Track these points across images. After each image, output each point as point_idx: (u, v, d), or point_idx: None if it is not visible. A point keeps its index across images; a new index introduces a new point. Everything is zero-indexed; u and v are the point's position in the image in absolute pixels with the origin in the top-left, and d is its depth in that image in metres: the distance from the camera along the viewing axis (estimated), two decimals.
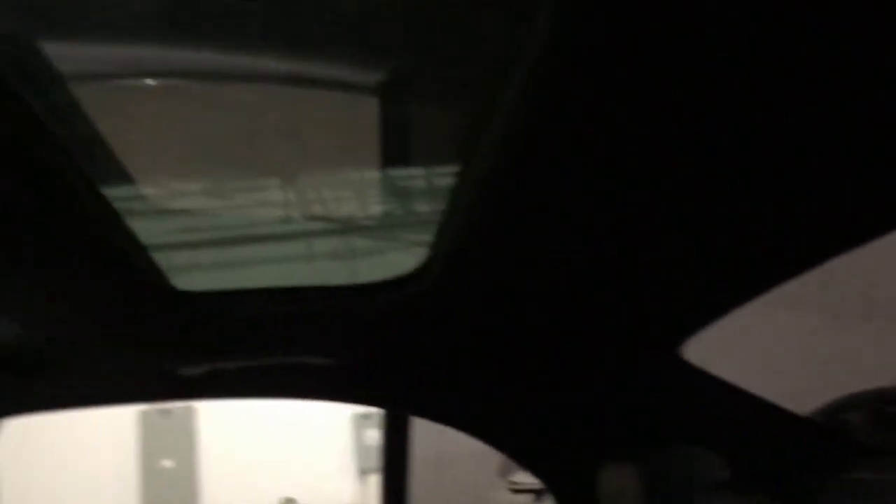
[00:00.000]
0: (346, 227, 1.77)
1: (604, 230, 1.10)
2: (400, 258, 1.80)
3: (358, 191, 1.59)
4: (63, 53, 0.84)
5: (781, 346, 4.32)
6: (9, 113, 0.66)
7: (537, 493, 4.18)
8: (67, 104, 0.90)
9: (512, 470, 4.45)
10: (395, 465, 1.85)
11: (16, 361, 1.25)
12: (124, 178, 1.10)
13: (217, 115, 1.09)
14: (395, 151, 1.18)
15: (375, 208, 1.71)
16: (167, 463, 7.53)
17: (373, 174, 1.41)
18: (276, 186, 1.47)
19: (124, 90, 0.99)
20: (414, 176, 1.39)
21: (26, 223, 0.83)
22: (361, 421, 7.87)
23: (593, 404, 1.66)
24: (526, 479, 4.29)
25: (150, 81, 1.00)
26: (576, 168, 0.92)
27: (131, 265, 1.03)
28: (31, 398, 1.49)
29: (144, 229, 1.10)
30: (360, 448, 7.91)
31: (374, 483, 7.82)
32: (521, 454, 1.78)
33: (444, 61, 0.93)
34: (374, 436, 7.72)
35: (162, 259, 1.14)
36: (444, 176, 1.11)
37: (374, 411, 7.72)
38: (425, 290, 1.30)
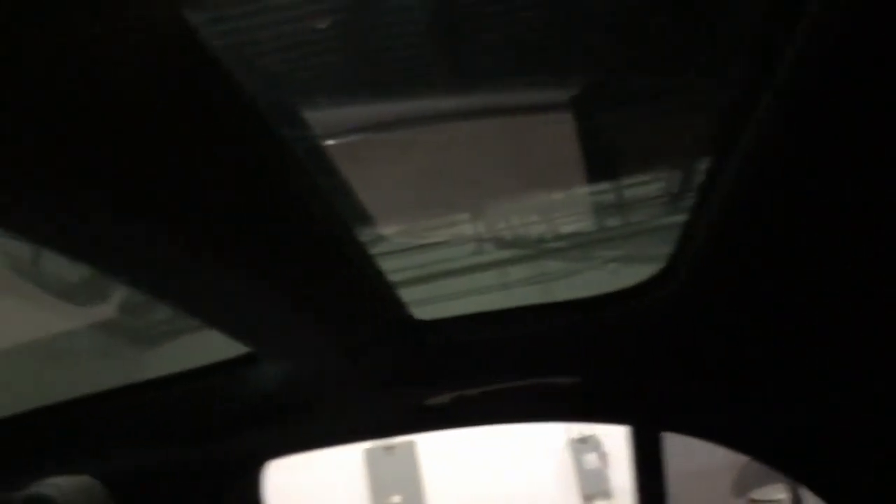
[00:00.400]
0: (539, 252, 1.75)
1: (872, 222, 0.99)
2: (595, 277, 1.75)
3: (548, 214, 1.57)
4: (311, 115, 0.94)
5: None
6: (278, 166, 0.70)
7: None
8: (320, 157, 0.98)
9: (751, 487, 4.14)
10: (650, 485, 1.73)
11: (280, 405, 1.33)
12: (367, 221, 1.18)
13: (415, 159, 1.13)
14: (594, 166, 1.15)
15: (566, 228, 1.68)
16: (396, 498, 7.84)
17: (561, 195, 1.38)
18: (467, 221, 1.49)
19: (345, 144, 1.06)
20: (606, 191, 1.35)
21: (293, 268, 0.88)
22: (579, 446, 7.74)
23: (881, 403, 1.47)
24: (767, 495, 3.97)
25: (361, 136, 1.06)
26: (838, 164, 0.85)
27: (379, 300, 1.07)
28: (292, 440, 1.59)
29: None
30: (582, 473, 7.77)
31: None
32: (793, 468, 1.61)
33: (682, 71, 0.90)
34: (594, 460, 7.54)
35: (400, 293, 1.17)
36: (641, 186, 1.06)
37: (592, 435, 7.56)
38: (669, 299, 1.23)
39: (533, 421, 1.71)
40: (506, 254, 1.76)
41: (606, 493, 7.46)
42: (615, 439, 7.12)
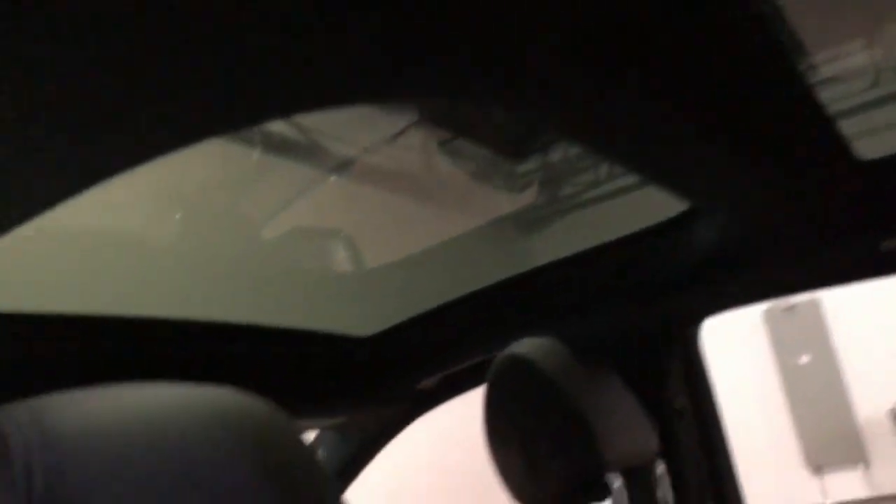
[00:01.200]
0: None
1: None
2: None
3: None
4: None
5: None
6: None
7: None
8: None
9: None
10: None
11: (721, 259, 1.33)
12: (800, 50, 1.10)
13: None
14: None
15: None
16: (804, 358, 7.47)
17: None
18: (860, 49, 1.31)
19: None
20: None
21: (738, 108, 0.85)
22: None
23: None
24: None
25: None
26: None
27: (824, 139, 0.99)
28: (733, 294, 1.54)
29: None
30: None
31: None
32: None
33: None
34: None
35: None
36: None
37: None
38: None
39: None
40: None
41: None
42: None
